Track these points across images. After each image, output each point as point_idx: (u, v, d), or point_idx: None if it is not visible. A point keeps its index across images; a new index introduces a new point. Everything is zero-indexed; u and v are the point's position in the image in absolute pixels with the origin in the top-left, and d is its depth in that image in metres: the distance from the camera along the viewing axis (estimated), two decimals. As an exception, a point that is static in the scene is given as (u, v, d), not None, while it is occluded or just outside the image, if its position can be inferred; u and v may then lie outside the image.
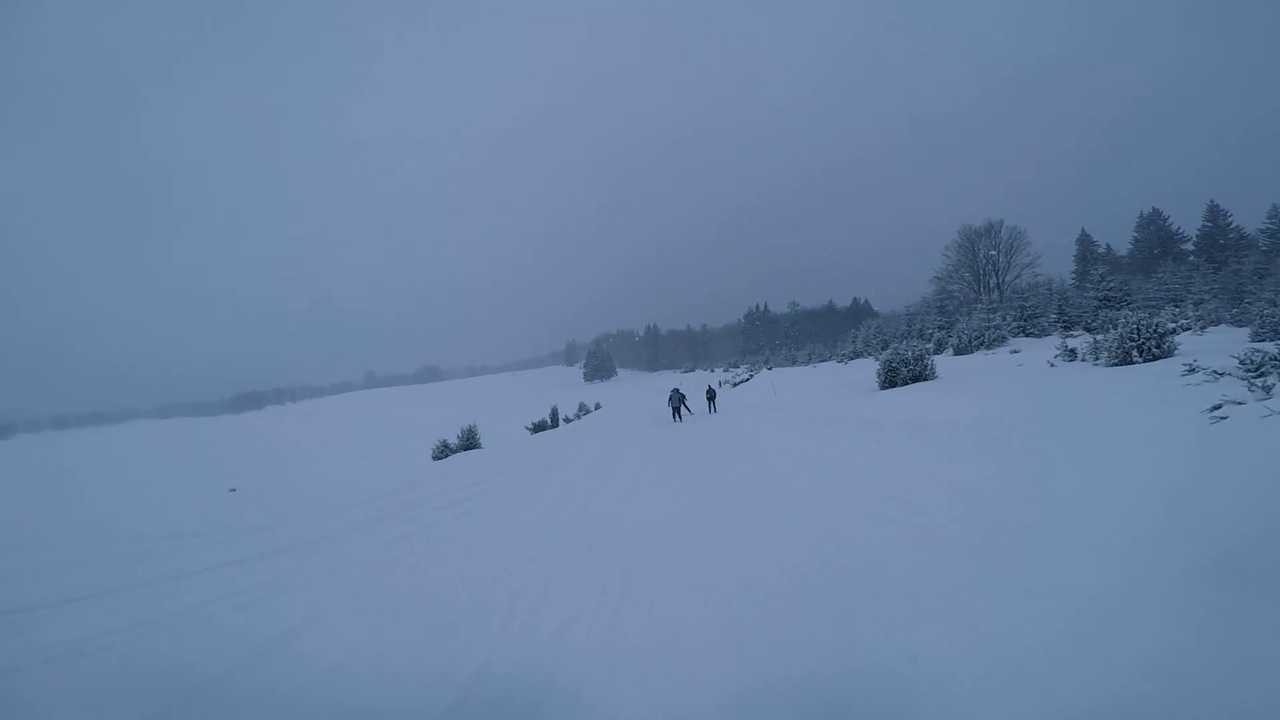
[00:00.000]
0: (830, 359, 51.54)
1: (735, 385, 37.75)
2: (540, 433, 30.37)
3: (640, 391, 63.54)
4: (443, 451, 20.78)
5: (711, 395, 23.15)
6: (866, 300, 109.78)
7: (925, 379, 17.36)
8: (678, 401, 20.74)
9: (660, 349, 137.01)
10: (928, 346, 28.70)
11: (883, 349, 40.51)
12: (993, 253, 42.84)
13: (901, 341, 27.00)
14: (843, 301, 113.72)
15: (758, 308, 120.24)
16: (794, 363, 70.96)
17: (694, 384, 43.21)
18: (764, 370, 38.40)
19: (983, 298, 42.27)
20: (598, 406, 46.96)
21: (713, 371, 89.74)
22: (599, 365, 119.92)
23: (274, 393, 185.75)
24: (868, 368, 31.66)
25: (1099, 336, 16.39)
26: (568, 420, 33.58)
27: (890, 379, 17.78)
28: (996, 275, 42.57)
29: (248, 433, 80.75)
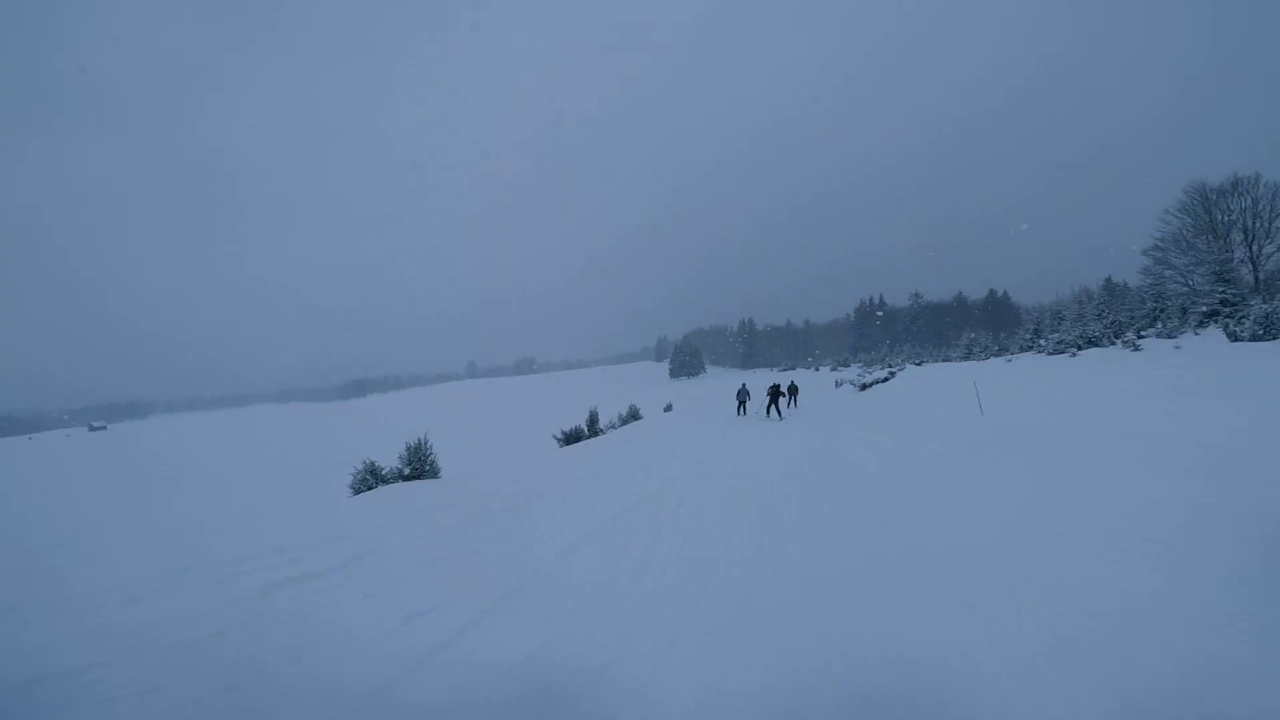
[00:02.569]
0: (993, 355, 39.00)
1: (863, 388, 26.67)
2: (572, 445, 22.43)
3: (725, 391, 54.75)
4: (365, 482, 13.00)
5: (778, 393, 19.62)
6: (1005, 292, 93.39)
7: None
8: (745, 396, 20.40)
9: (755, 345, 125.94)
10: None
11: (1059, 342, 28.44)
12: (1240, 216, 29.35)
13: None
14: (976, 293, 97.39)
15: (871, 300, 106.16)
16: (918, 362, 58.59)
17: (779, 383, 33.53)
18: (907, 367, 27.24)
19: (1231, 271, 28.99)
20: (668, 408, 38.18)
21: (816, 370, 78.07)
22: (685, 361, 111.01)
23: (379, 381, 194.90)
24: (1059, 366, 20.83)
25: None
26: (615, 425, 25.08)
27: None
28: (1250, 246, 29.16)
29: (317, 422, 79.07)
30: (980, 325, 76.46)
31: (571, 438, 24.05)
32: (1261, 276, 28.53)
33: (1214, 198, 29.99)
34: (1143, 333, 23.99)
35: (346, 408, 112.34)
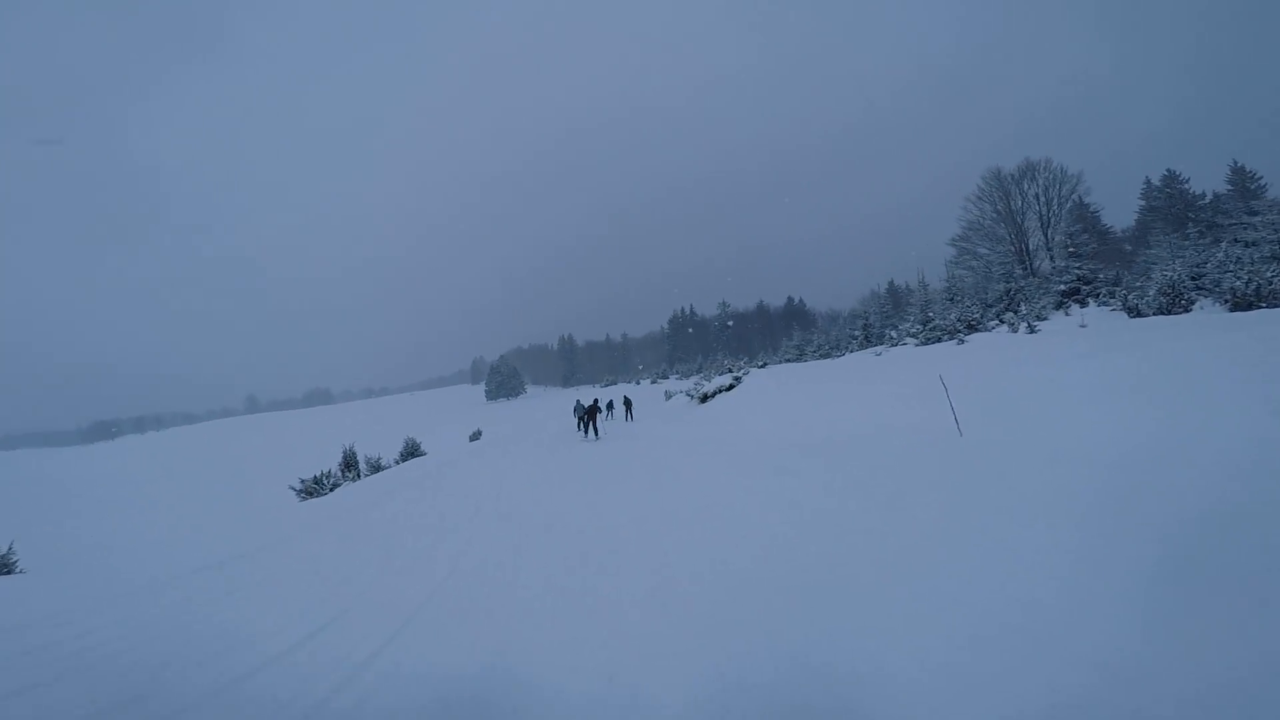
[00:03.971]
0: (843, 352, 35.70)
1: (704, 400, 20.95)
2: (315, 498, 14.83)
3: (544, 411, 48.33)
4: None
5: (595, 411, 17.92)
6: (801, 299, 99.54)
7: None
8: (582, 412, 18.66)
9: (577, 362, 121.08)
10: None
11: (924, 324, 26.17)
12: (1037, 203, 30.38)
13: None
14: (775, 302, 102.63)
15: (683, 311, 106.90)
16: (761, 364, 57.27)
17: (612, 398, 28.47)
18: (750, 371, 22.16)
19: (1027, 258, 29.54)
20: (475, 436, 30.65)
21: (638, 383, 74.75)
22: (503, 382, 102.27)
23: (134, 421, 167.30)
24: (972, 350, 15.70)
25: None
26: (391, 464, 17.27)
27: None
28: (1046, 232, 30.34)
29: None
30: (782, 330, 79.24)
31: (315, 489, 16.07)
32: (1057, 264, 29.64)
33: (1010, 183, 30.93)
34: (1000, 316, 22.30)
35: (81, 454, 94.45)
